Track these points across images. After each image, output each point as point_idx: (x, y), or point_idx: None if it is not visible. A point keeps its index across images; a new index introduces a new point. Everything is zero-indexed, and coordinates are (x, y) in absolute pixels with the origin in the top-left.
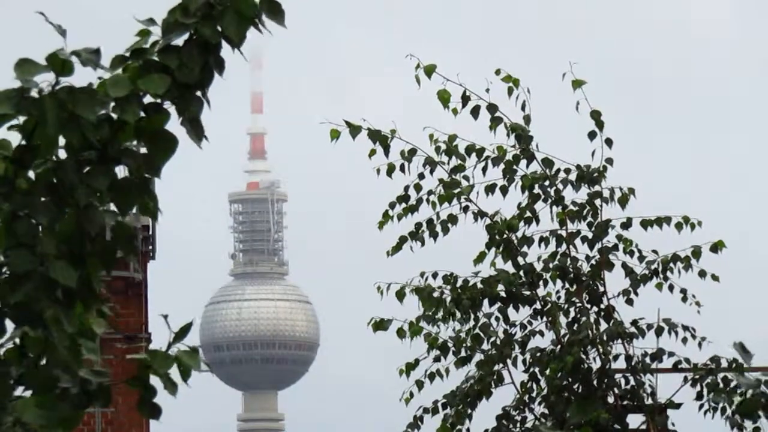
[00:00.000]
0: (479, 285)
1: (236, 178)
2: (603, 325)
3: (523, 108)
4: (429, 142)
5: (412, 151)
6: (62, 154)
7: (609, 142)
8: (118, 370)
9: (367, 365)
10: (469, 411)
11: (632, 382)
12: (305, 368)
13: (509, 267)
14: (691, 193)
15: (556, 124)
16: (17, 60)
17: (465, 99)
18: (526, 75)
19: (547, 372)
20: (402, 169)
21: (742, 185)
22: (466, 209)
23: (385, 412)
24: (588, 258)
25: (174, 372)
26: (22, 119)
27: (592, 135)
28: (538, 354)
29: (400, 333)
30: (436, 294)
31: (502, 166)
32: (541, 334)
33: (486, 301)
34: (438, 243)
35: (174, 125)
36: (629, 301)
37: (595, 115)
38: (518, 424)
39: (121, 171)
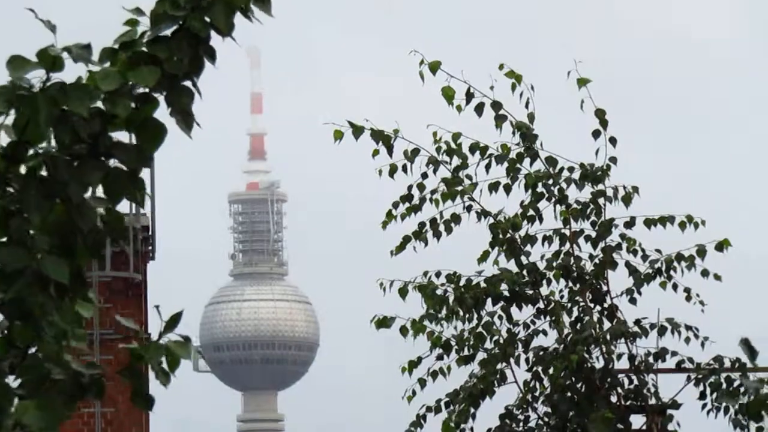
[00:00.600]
0: (482, 284)
1: (236, 179)
2: (606, 325)
3: (526, 105)
4: (432, 141)
5: (415, 151)
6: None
7: (613, 140)
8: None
9: (367, 366)
10: (472, 410)
11: (635, 382)
12: (305, 369)
13: (512, 266)
14: (695, 193)
15: (560, 122)
16: (9, 57)
17: (469, 96)
18: (529, 73)
19: (551, 371)
20: (404, 169)
21: (748, 185)
22: (469, 208)
23: (385, 413)
24: (591, 257)
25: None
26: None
27: (596, 133)
28: (541, 353)
29: (403, 331)
30: (439, 292)
31: (505, 164)
32: (544, 333)
33: (489, 300)
34: (441, 242)
35: (164, 115)
36: (632, 301)
37: (600, 114)
38: (521, 424)
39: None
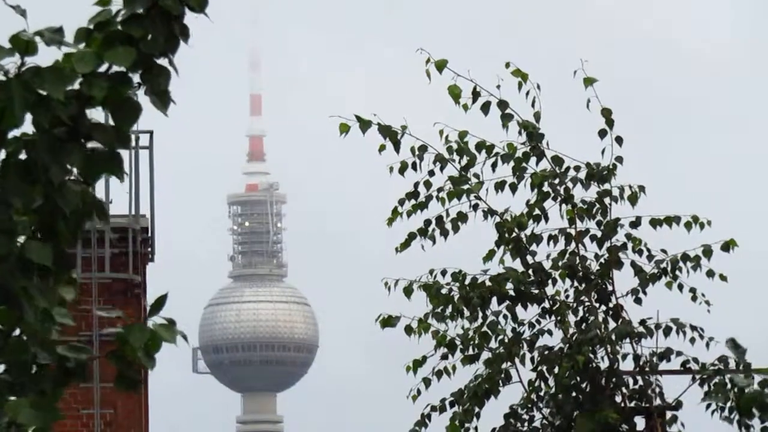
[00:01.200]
0: (488, 283)
1: (235, 180)
2: (611, 324)
3: (533, 105)
4: (439, 138)
5: (423, 148)
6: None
7: (619, 140)
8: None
9: (367, 367)
10: (477, 409)
11: (640, 382)
12: (304, 370)
13: (518, 265)
14: (701, 193)
15: (566, 121)
16: None
17: (475, 95)
18: (535, 72)
19: (556, 371)
20: (414, 166)
21: (755, 185)
22: (475, 207)
23: (385, 414)
24: (597, 257)
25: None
26: None
27: (602, 133)
28: (546, 352)
29: (408, 330)
30: (444, 291)
31: (512, 163)
32: (550, 333)
33: (494, 299)
34: (445, 241)
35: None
36: (638, 300)
37: (606, 113)
38: (526, 423)
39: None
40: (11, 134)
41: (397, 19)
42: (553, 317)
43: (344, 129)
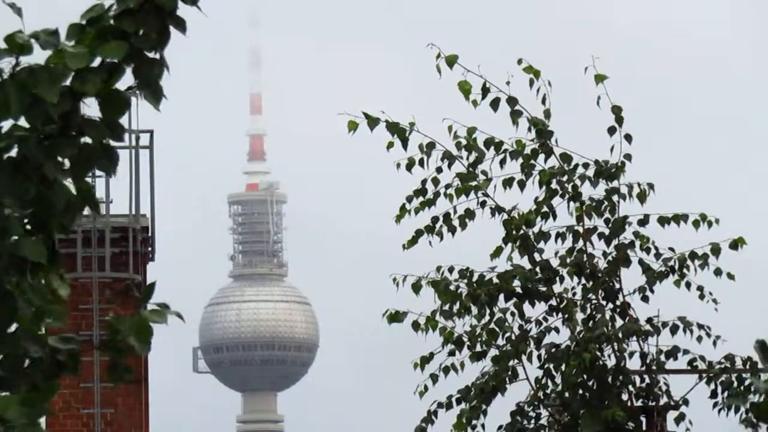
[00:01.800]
0: (495, 280)
1: (235, 180)
2: (618, 322)
3: (543, 102)
4: (447, 135)
5: (431, 145)
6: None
7: (628, 137)
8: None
9: (367, 366)
10: (484, 406)
11: (647, 380)
12: (305, 369)
13: (525, 262)
14: (710, 192)
15: (575, 118)
16: None
17: (485, 91)
18: (545, 68)
19: (563, 368)
20: (421, 163)
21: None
22: (483, 204)
23: (385, 414)
24: (605, 254)
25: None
26: None
27: (611, 130)
28: (553, 350)
29: (415, 326)
30: (452, 287)
31: (520, 160)
32: (557, 330)
33: (502, 297)
34: (450, 238)
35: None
36: (645, 299)
37: (616, 111)
38: (533, 421)
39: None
40: (3, 130)
41: (396, 19)
42: (560, 315)
43: (352, 126)
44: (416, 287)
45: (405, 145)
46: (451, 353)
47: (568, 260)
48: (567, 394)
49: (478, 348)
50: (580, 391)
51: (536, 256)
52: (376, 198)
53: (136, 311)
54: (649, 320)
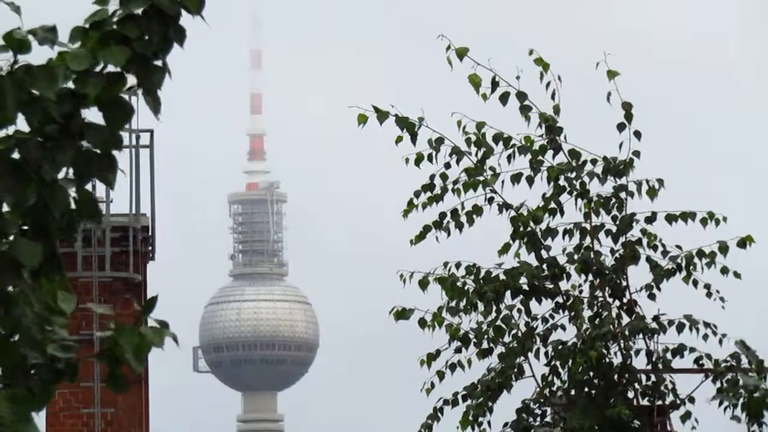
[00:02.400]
0: (502, 277)
1: (235, 179)
2: (625, 320)
3: (552, 97)
4: (457, 129)
5: (440, 140)
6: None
7: (638, 134)
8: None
9: (366, 366)
10: (490, 403)
11: (653, 378)
12: (305, 369)
13: (532, 259)
14: (719, 189)
15: (585, 113)
16: None
17: (494, 84)
18: (555, 62)
19: (570, 365)
20: (430, 158)
21: None
22: (491, 200)
23: (385, 414)
24: (612, 251)
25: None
26: None
27: (621, 127)
28: (560, 347)
29: (422, 323)
30: (459, 283)
31: (529, 156)
32: (563, 328)
33: (508, 293)
34: (456, 233)
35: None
36: (651, 296)
37: (626, 107)
38: (538, 418)
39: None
40: (3, 132)
41: (396, 19)
42: (566, 312)
43: (362, 120)
44: (423, 283)
45: (414, 139)
46: (458, 350)
47: (575, 257)
48: (573, 392)
49: (485, 345)
50: (586, 389)
51: (543, 253)
52: (377, 198)
53: (135, 324)
54: (656, 318)
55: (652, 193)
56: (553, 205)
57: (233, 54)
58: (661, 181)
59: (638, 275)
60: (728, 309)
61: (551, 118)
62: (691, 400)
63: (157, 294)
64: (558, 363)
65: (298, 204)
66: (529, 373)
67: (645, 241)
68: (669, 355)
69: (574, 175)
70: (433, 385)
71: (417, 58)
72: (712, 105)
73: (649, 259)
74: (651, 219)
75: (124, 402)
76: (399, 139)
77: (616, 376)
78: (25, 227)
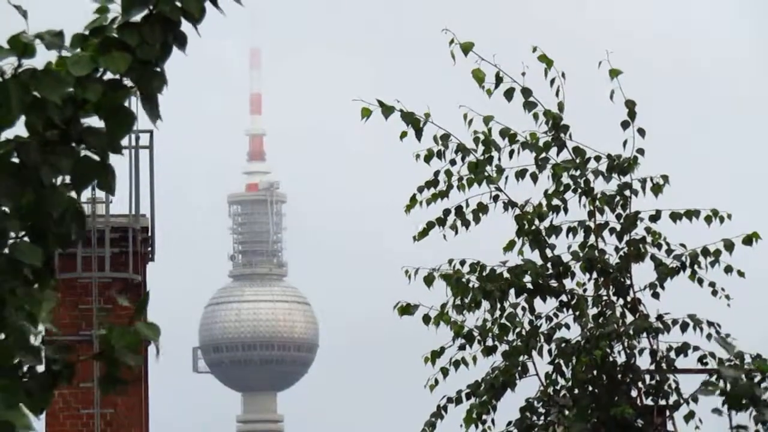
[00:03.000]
0: (506, 275)
1: (235, 180)
2: (629, 319)
3: (557, 94)
4: (463, 123)
5: (446, 136)
6: (24, 133)
7: (642, 132)
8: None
9: (366, 367)
10: (494, 402)
11: (657, 377)
12: (304, 369)
13: (536, 257)
14: (724, 188)
15: (589, 111)
16: None
17: (498, 80)
18: (560, 60)
19: (574, 364)
20: (439, 155)
21: None
22: (496, 198)
23: (384, 415)
24: (617, 249)
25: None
26: None
27: (625, 125)
28: (564, 345)
29: (426, 320)
30: (464, 280)
31: (533, 152)
32: (567, 327)
33: (512, 291)
34: (465, 231)
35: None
36: (655, 295)
37: (630, 105)
38: (542, 417)
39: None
40: (4, 136)
41: (396, 19)
42: (571, 311)
43: (366, 113)
44: (429, 279)
45: (419, 135)
46: (462, 347)
47: (579, 255)
48: (576, 391)
49: (489, 343)
50: (590, 388)
51: (548, 251)
52: (376, 198)
53: (129, 324)
54: (659, 317)
55: (657, 189)
56: (557, 202)
57: (232, 54)
58: (666, 178)
59: (642, 273)
60: (733, 307)
61: (558, 115)
62: (695, 399)
63: (149, 291)
64: (562, 362)
65: (298, 204)
66: (533, 371)
67: (649, 239)
68: (672, 354)
69: (578, 172)
70: (437, 382)
71: (418, 59)
72: (714, 104)
73: (653, 258)
74: (655, 217)
75: (124, 403)
76: (404, 135)
77: (619, 376)
78: (23, 232)
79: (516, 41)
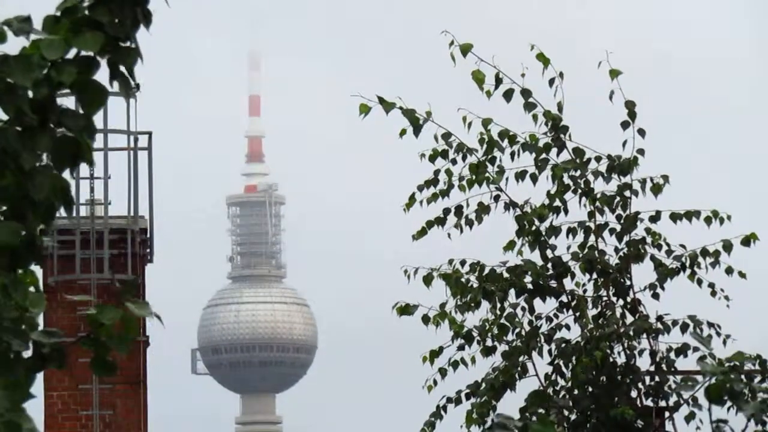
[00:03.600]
0: (506, 275)
1: (234, 181)
2: (629, 319)
3: (555, 94)
4: (462, 125)
5: (447, 135)
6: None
7: (642, 132)
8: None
9: (365, 368)
10: (494, 402)
11: (657, 378)
12: (303, 371)
13: (536, 257)
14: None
15: (589, 111)
16: None
17: (498, 81)
18: (560, 60)
19: (574, 364)
20: (444, 154)
21: None
22: (497, 198)
23: (384, 416)
24: (617, 250)
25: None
26: None
27: (625, 125)
28: (563, 345)
29: (425, 319)
30: (463, 280)
31: (533, 154)
32: (567, 327)
33: (512, 292)
34: (469, 230)
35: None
36: (655, 296)
37: (630, 105)
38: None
39: None
40: None
41: (397, 19)
42: (571, 311)
43: (364, 110)
44: (428, 279)
45: (417, 132)
46: (461, 347)
47: (579, 256)
48: (576, 391)
49: (489, 343)
50: (590, 389)
51: (548, 252)
52: (375, 200)
53: (117, 305)
54: (659, 318)
55: (657, 189)
56: (557, 203)
57: (232, 55)
58: (666, 178)
59: (642, 274)
60: (733, 308)
61: (558, 117)
62: (694, 400)
63: (138, 276)
64: (562, 362)
65: (297, 206)
66: (533, 372)
67: (649, 239)
68: (672, 355)
69: (578, 173)
70: (435, 382)
71: (418, 59)
72: (714, 104)
73: (653, 258)
74: (655, 218)
75: (123, 404)
76: (403, 132)
77: (619, 376)
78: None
79: (516, 41)
